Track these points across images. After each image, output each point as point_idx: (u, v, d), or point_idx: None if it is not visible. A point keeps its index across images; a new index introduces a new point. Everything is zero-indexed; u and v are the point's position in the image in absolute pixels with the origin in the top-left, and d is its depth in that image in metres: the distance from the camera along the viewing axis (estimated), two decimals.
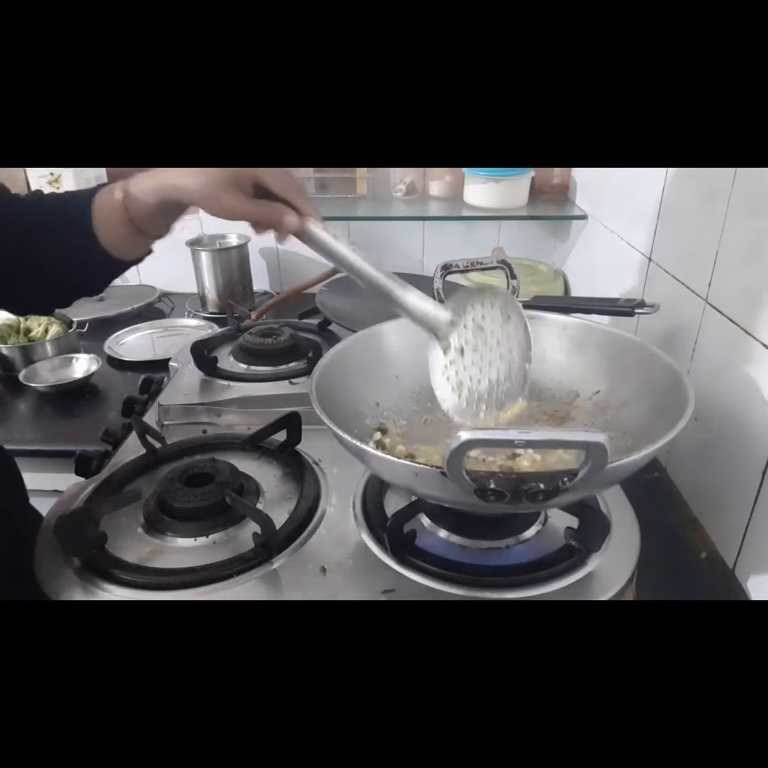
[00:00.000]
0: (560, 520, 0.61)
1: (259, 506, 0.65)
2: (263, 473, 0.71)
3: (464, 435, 0.40)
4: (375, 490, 0.65)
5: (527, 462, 0.62)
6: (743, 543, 0.63)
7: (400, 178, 1.45)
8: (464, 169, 1.40)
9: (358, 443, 0.49)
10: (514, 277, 0.83)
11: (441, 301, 0.83)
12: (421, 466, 0.46)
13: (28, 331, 1.24)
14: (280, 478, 0.70)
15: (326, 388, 0.58)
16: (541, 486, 0.43)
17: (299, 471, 0.69)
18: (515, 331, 0.58)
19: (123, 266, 0.59)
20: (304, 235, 0.54)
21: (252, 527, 0.59)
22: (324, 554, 0.59)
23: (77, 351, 1.23)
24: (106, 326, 1.34)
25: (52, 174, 1.53)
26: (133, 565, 0.57)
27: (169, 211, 0.56)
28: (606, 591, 0.54)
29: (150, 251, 0.60)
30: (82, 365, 1.19)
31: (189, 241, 1.42)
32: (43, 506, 0.65)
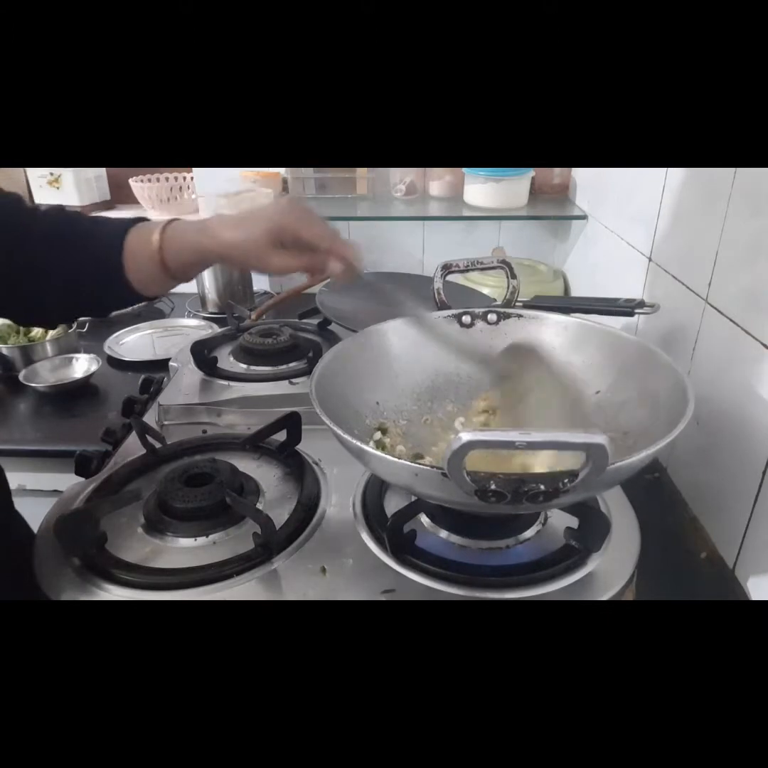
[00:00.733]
0: (560, 520, 0.61)
1: (259, 506, 0.65)
2: (263, 473, 0.71)
3: (465, 436, 0.40)
4: (375, 490, 0.65)
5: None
6: (743, 543, 0.63)
7: (400, 178, 1.45)
8: (464, 169, 1.40)
9: (358, 443, 0.49)
10: (514, 277, 0.83)
11: (441, 300, 0.83)
12: (421, 466, 0.46)
13: (28, 331, 1.24)
14: (280, 478, 0.70)
15: (326, 388, 0.58)
16: (542, 487, 0.43)
17: (299, 471, 0.69)
18: None
19: (140, 299, 0.60)
20: (350, 278, 0.59)
21: (252, 527, 0.59)
22: (324, 554, 0.59)
23: (77, 351, 1.24)
24: (106, 326, 1.34)
25: (51, 174, 1.53)
26: (133, 565, 0.57)
27: (207, 265, 0.59)
28: (606, 591, 0.54)
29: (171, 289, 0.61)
30: (82, 365, 1.19)
31: None
32: (43, 506, 0.65)
